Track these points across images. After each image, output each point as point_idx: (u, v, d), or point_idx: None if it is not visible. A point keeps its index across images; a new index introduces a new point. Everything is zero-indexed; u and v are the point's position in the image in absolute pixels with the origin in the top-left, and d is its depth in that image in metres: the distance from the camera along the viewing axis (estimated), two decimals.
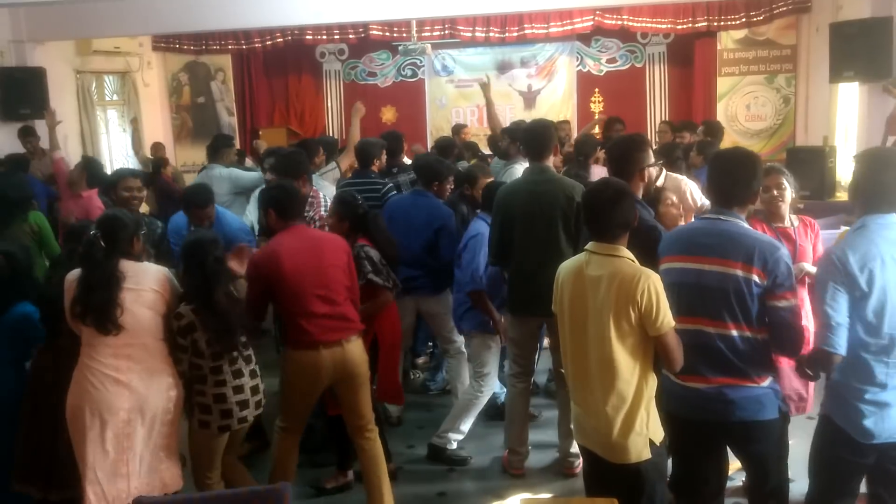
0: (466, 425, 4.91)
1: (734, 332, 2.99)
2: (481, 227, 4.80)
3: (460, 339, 5.16)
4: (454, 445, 4.91)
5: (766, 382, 3.04)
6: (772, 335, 3.02)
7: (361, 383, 4.04)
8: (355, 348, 3.98)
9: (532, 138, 4.61)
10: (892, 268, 2.87)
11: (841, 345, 2.89)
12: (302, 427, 4.12)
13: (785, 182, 4.03)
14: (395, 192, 5.80)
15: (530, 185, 4.49)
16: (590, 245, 3.07)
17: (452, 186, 5.62)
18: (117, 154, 10.97)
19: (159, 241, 4.98)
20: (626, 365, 2.94)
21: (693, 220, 3.27)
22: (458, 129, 9.86)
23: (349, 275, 4.04)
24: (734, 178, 3.11)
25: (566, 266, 3.17)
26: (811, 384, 4.11)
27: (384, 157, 6.13)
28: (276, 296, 3.87)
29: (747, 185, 3.10)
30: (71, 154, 9.27)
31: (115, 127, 11.14)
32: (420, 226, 5.14)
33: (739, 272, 2.96)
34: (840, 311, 2.90)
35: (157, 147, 10.33)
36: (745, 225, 3.12)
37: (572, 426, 3.31)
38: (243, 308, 3.72)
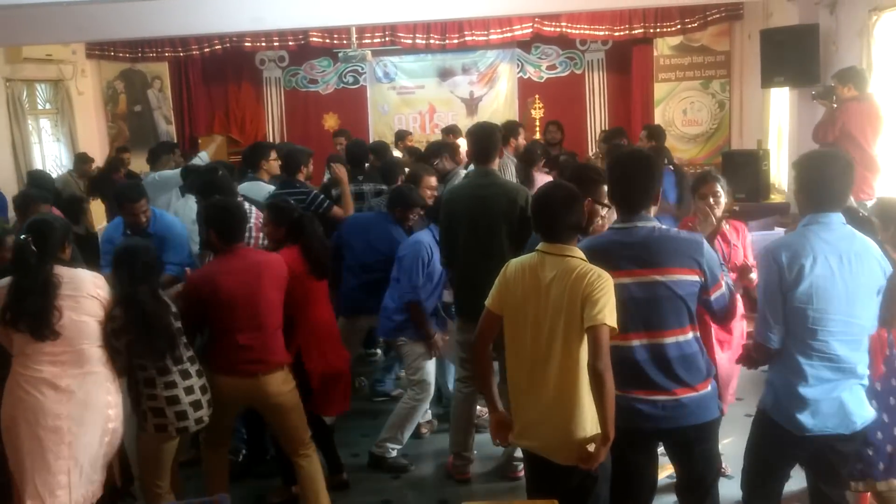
0: (406, 434, 4.89)
1: (688, 336, 3.05)
2: (422, 236, 4.82)
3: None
4: (394, 454, 4.89)
5: (711, 384, 3.11)
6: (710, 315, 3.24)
7: (284, 412, 3.98)
8: (273, 381, 3.89)
9: (476, 142, 4.57)
10: (823, 267, 2.97)
11: (775, 340, 3.07)
12: (225, 441, 4.10)
13: (719, 189, 4.16)
14: (324, 199, 5.74)
15: (474, 188, 4.49)
16: (541, 246, 3.06)
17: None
18: (50, 164, 10.67)
19: None
20: (583, 365, 2.91)
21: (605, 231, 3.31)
22: (401, 135, 9.82)
23: (283, 298, 3.98)
24: (639, 183, 3.11)
25: (514, 266, 3.13)
26: (732, 383, 4.27)
27: (311, 166, 6.10)
28: (209, 318, 3.85)
29: (653, 189, 3.12)
30: (1, 165, 9.02)
31: (47, 137, 10.84)
32: (379, 250, 5.13)
33: (683, 276, 3.00)
34: (775, 308, 3.03)
35: (84, 157, 9.77)
36: (660, 225, 3.14)
37: (515, 430, 3.28)
38: (170, 312, 3.63)
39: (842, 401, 3.04)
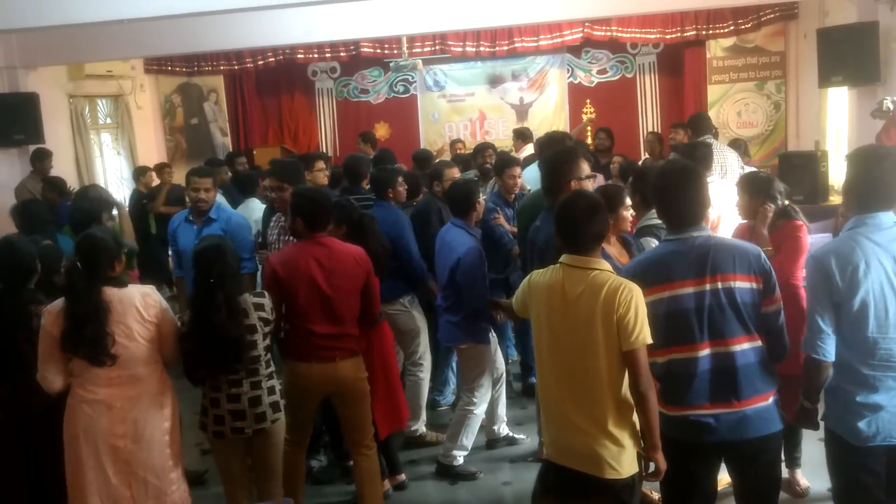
0: (469, 439, 4.89)
1: (755, 344, 2.97)
2: (467, 241, 4.69)
3: (425, 362, 5.25)
4: (461, 461, 4.89)
5: (773, 395, 3.03)
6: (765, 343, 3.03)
7: (356, 400, 4.07)
8: (348, 366, 4.00)
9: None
10: (878, 271, 2.86)
11: (829, 352, 2.92)
12: (304, 440, 4.15)
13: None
14: None
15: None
16: (565, 258, 3.03)
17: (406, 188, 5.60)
18: (112, 177, 10.99)
19: None
20: (620, 378, 2.91)
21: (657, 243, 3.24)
22: (453, 143, 9.98)
23: (362, 293, 4.03)
24: (687, 196, 3.04)
25: (538, 280, 3.10)
26: None
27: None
28: (286, 303, 3.91)
29: (703, 202, 3.07)
30: (66, 179, 9.28)
31: (108, 150, 11.15)
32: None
33: (744, 283, 2.94)
34: (826, 317, 2.92)
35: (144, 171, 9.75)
36: (715, 235, 3.12)
37: (545, 445, 3.22)
38: (242, 324, 3.62)
39: None
